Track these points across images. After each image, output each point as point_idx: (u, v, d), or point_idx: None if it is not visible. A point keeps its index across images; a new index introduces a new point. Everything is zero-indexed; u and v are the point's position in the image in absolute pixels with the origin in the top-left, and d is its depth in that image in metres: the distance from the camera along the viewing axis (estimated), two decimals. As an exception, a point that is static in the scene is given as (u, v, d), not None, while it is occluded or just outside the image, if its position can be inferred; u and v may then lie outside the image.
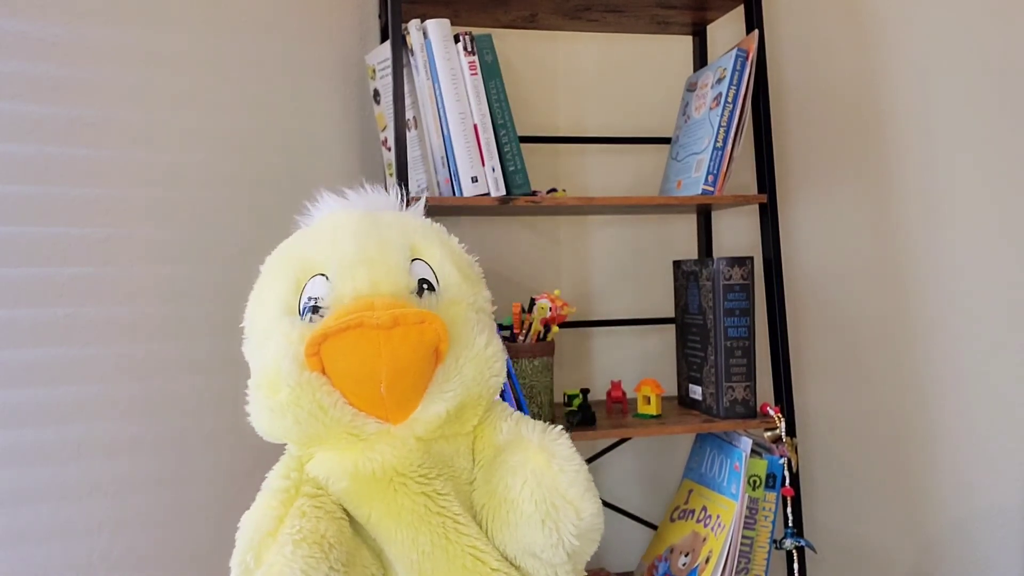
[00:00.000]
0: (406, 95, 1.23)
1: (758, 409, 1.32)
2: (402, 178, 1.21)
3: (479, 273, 1.04)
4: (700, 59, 1.53)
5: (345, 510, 0.93)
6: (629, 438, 1.47)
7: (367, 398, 0.91)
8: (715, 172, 1.29)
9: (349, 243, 0.94)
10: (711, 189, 1.29)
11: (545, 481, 0.92)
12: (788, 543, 1.27)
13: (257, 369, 0.94)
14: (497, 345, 0.99)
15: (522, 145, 1.30)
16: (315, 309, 0.92)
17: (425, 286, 0.95)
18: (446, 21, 1.24)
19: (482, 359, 0.96)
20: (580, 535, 0.91)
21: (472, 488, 0.98)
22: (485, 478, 0.97)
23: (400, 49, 1.22)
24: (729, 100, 1.29)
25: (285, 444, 0.98)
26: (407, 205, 1.05)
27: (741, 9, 1.39)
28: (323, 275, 0.94)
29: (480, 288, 1.02)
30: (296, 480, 0.93)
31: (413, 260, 0.96)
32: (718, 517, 1.27)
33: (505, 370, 1.00)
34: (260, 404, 0.93)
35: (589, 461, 1.28)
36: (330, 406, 0.90)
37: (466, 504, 0.96)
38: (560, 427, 0.99)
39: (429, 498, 0.92)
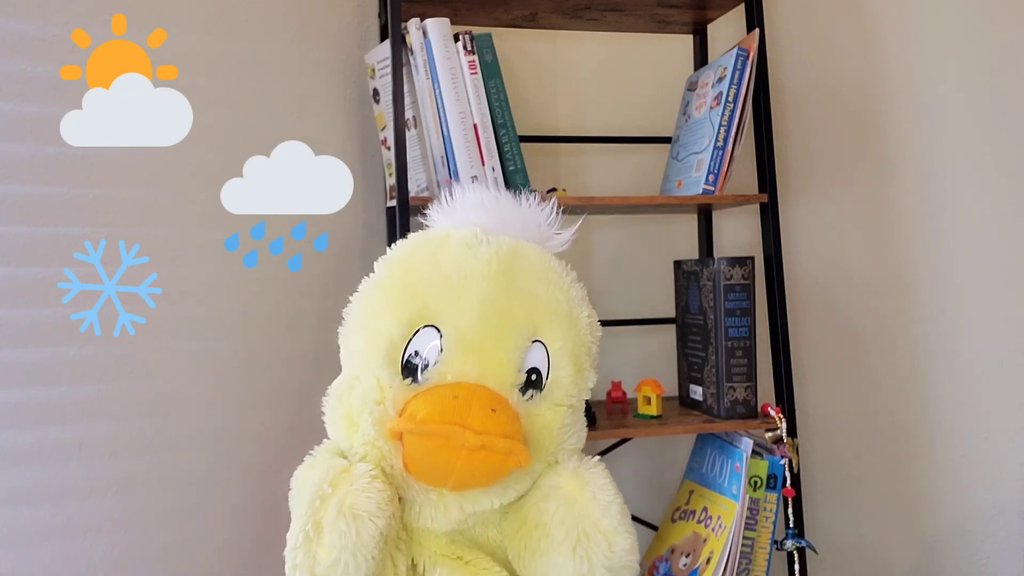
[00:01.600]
0: (406, 94, 1.23)
1: (759, 409, 1.32)
2: (402, 178, 1.21)
3: (593, 353, 1.00)
4: (700, 58, 1.53)
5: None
6: (630, 438, 1.46)
7: (431, 482, 0.91)
8: (716, 172, 1.29)
9: (474, 309, 0.91)
10: (712, 189, 1.29)
11: (576, 508, 0.90)
12: (789, 544, 1.27)
13: (342, 384, 0.96)
14: (580, 433, 0.98)
15: (522, 145, 1.30)
16: (415, 369, 0.92)
17: (533, 377, 0.93)
18: (446, 20, 1.24)
19: (558, 449, 0.95)
20: (612, 568, 0.90)
21: (502, 513, 0.97)
22: (517, 505, 0.96)
23: (400, 48, 1.22)
24: (730, 99, 1.29)
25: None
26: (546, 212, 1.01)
27: (742, 8, 1.39)
28: (436, 329, 0.92)
29: (587, 381, 0.99)
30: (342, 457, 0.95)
31: (533, 342, 0.94)
32: (719, 518, 1.26)
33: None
34: (336, 416, 0.95)
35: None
36: (392, 471, 0.91)
37: (492, 533, 0.97)
38: (597, 457, 0.97)
39: (458, 556, 0.94)
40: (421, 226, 1.44)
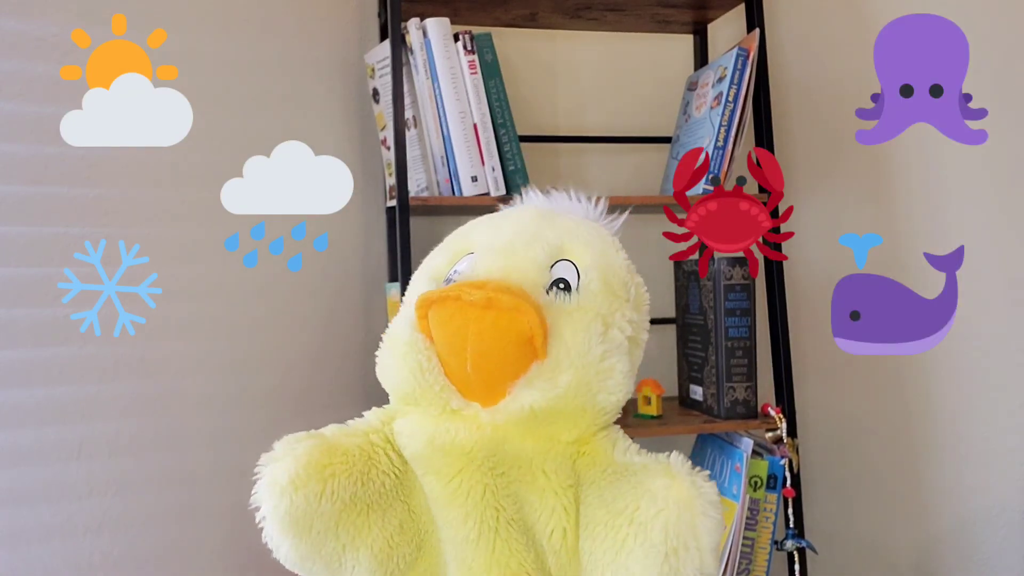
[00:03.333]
0: (405, 94, 1.23)
1: (759, 410, 1.32)
2: (402, 178, 1.21)
3: (635, 296, 0.98)
4: (701, 58, 1.53)
5: (408, 477, 0.96)
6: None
7: (456, 373, 0.91)
8: (715, 172, 1.29)
9: (506, 231, 0.96)
10: (711, 189, 1.29)
11: (685, 517, 0.86)
12: (789, 544, 1.27)
13: (396, 321, 0.98)
14: (620, 366, 0.93)
15: (522, 145, 1.30)
16: (450, 281, 0.95)
17: (560, 285, 0.93)
18: (446, 20, 1.24)
19: (591, 369, 0.91)
20: None
21: (566, 499, 0.93)
22: (599, 494, 0.92)
23: (399, 48, 1.22)
24: (730, 99, 1.29)
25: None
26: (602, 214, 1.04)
27: (742, 8, 1.39)
28: (473, 253, 0.96)
29: (622, 307, 0.96)
30: (374, 426, 0.97)
31: (560, 260, 0.94)
32: (718, 517, 1.26)
33: (627, 394, 0.95)
34: (385, 350, 0.96)
35: (589, 461, 1.28)
36: (427, 370, 0.91)
37: (535, 516, 0.93)
38: (708, 471, 0.94)
39: (490, 489, 0.91)
40: (421, 226, 1.44)
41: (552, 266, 0.94)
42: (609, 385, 0.92)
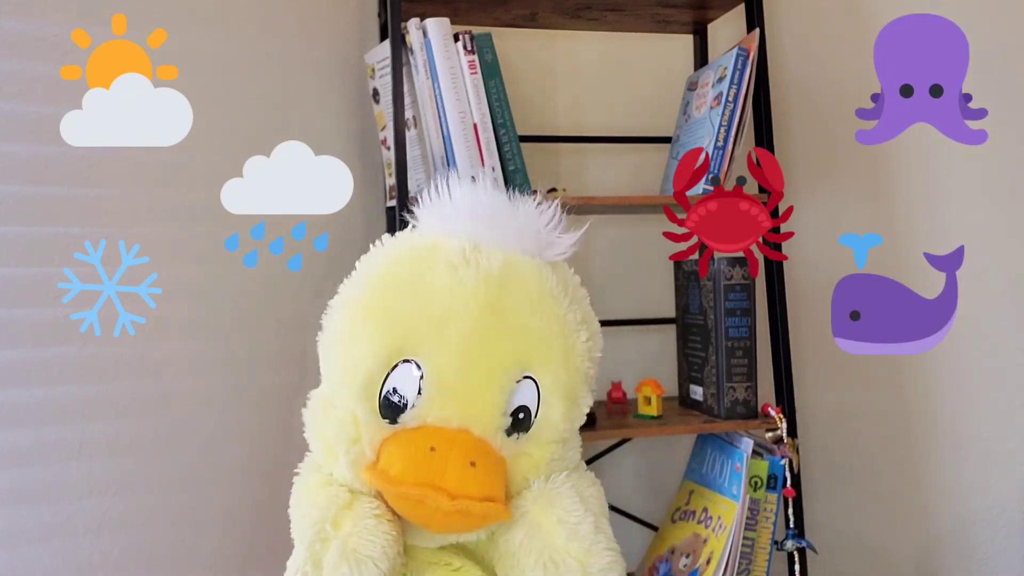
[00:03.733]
0: (405, 94, 1.23)
1: (759, 409, 1.32)
2: (402, 178, 1.21)
3: (591, 377, 0.94)
4: (701, 58, 1.53)
5: None
6: (630, 439, 1.46)
7: (414, 519, 0.88)
8: (715, 172, 1.29)
9: (457, 347, 0.85)
10: (711, 189, 1.29)
11: (542, 535, 0.86)
12: (789, 544, 1.27)
13: (318, 407, 0.92)
14: (573, 452, 0.94)
15: (522, 145, 1.30)
16: (394, 407, 0.86)
17: (521, 415, 0.87)
18: (446, 20, 1.24)
19: (546, 490, 0.90)
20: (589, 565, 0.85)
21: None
22: (490, 530, 0.92)
23: (399, 48, 1.22)
24: (730, 99, 1.29)
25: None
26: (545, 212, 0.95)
27: (742, 8, 1.39)
28: (416, 363, 0.86)
29: (582, 411, 0.93)
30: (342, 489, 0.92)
31: (523, 378, 0.87)
32: (719, 518, 1.26)
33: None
34: (314, 434, 0.92)
35: (589, 462, 1.28)
36: (372, 516, 0.86)
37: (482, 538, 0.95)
38: (564, 473, 0.91)
39: (447, 557, 0.92)
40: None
41: (508, 403, 0.87)
42: (557, 471, 0.93)
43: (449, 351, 0.85)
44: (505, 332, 0.87)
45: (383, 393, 0.87)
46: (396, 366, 0.87)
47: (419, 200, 0.96)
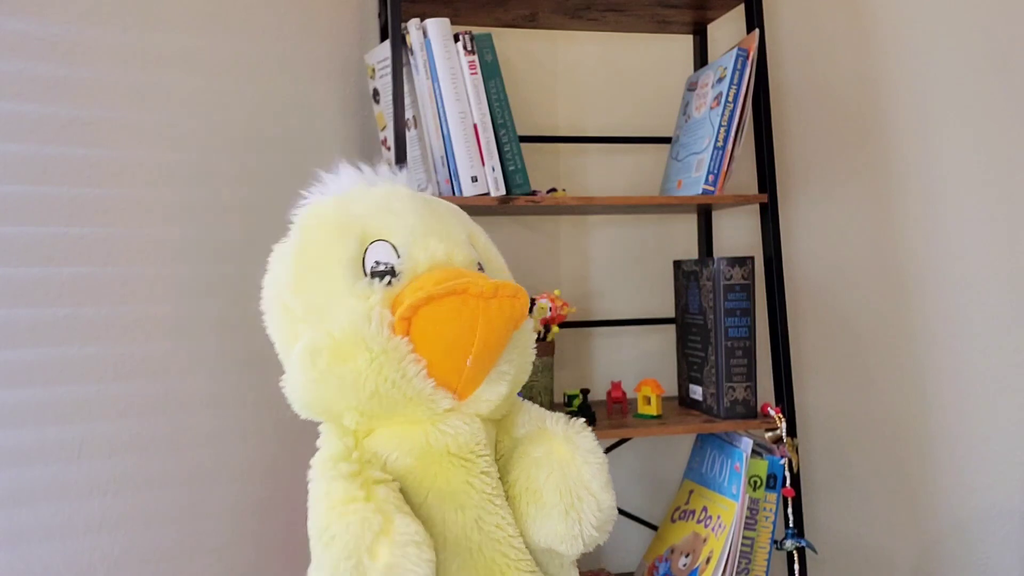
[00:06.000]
0: (406, 94, 1.23)
1: (759, 409, 1.32)
2: (402, 178, 1.21)
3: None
4: (700, 58, 1.53)
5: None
6: (629, 438, 1.46)
7: (450, 369, 0.88)
8: (715, 172, 1.29)
9: (411, 215, 0.93)
10: (711, 189, 1.29)
11: (570, 472, 0.93)
12: (789, 544, 1.27)
13: (318, 336, 0.88)
14: (532, 333, 1.01)
15: (522, 145, 1.30)
16: (386, 274, 0.89)
17: (479, 266, 0.96)
18: (446, 20, 1.24)
19: (526, 345, 0.98)
20: (599, 526, 0.93)
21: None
22: (505, 470, 0.97)
23: (400, 48, 1.22)
24: (729, 99, 1.29)
25: (312, 426, 0.97)
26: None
27: (741, 8, 1.39)
28: (386, 242, 0.91)
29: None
30: (359, 459, 0.89)
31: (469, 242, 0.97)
32: (719, 518, 1.26)
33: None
34: (316, 374, 0.87)
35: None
36: (413, 375, 0.86)
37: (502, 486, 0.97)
38: (583, 420, 0.99)
39: (480, 478, 0.92)
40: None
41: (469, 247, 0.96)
42: (532, 354, 0.99)
43: (407, 221, 0.92)
44: (436, 203, 0.98)
45: (367, 269, 0.90)
46: (367, 248, 0.91)
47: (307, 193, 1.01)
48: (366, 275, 0.89)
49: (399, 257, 0.91)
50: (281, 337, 0.95)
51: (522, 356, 0.97)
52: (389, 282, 0.89)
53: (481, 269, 0.97)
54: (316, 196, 1.00)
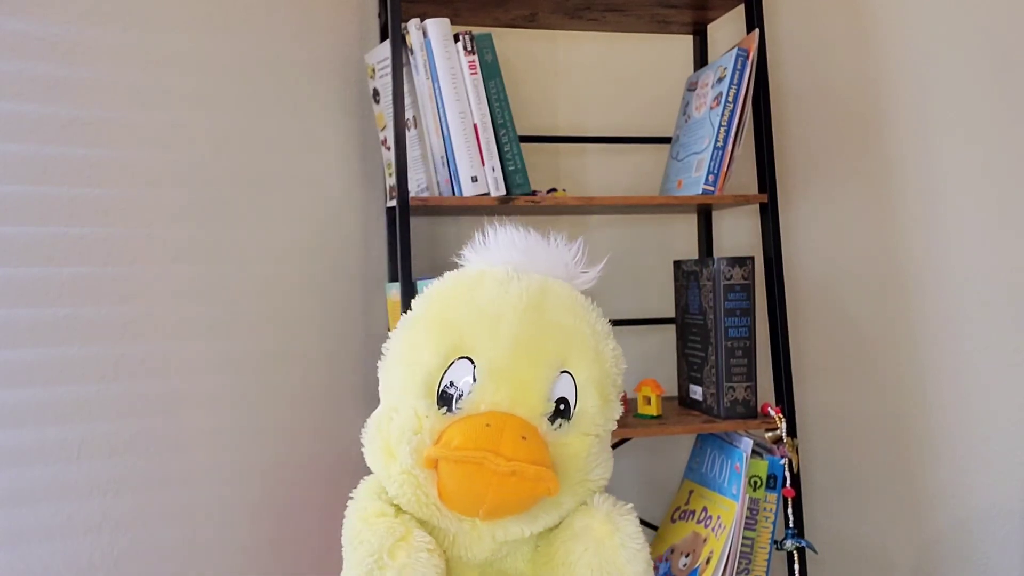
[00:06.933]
0: (406, 95, 1.23)
1: (759, 409, 1.32)
2: (402, 178, 1.21)
3: (618, 389, 1.05)
4: (700, 58, 1.53)
5: None
6: (629, 439, 1.46)
7: (463, 514, 0.95)
8: (715, 172, 1.29)
9: (507, 342, 0.96)
10: (711, 189, 1.29)
11: (605, 553, 0.95)
12: (789, 544, 1.27)
13: (383, 412, 0.99)
14: (607, 470, 1.01)
15: (522, 145, 1.30)
16: (450, 399, 0.96)
17: (562, 406, 0.97)
18: (446, 20, 1.24)
19: (586, 486, 0.99)
20: None
21: (532, 546, 1.01)
22: (547, 540, 1.00)
23: (399, 48, 1.22)
24: (729, 99, 1.29)
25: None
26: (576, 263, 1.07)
27: (741, 8, 1.39)
28: (470, 360, 0.96)
29: (613, 411, 1.03)
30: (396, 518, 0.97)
31: (561, 373, 0.98)
32: (719, 518, 1.26)
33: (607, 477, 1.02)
34: (375, 450, 0.98)
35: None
36: (427, 501, 0.94)
37: (522, 566, 1.01)
38: (631, 505, 1.01)
39: None
40: (421, 226, 1.44)
41: (551, 391, 0.97)
42: (596, 488, 1.01)
43: (498, 344, 0.96)
44: (546, 328, 0.99)
45: (441, 387, 0.97)
46: (452, 364, 0.97)
47: (467, 247, 1.09)
48: (438, 393, 0.97)
49: (474, 380, 0.96)
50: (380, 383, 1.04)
51: (578, 497, 0.98)
52: (446, 411, 0.96)
53: (565, 416, 0.97)
54: (469, 258, 1.07)
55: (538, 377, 0.96)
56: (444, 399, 0.96)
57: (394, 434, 0.96)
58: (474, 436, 0.90)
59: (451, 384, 0.96)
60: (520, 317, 0.98)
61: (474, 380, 0.96)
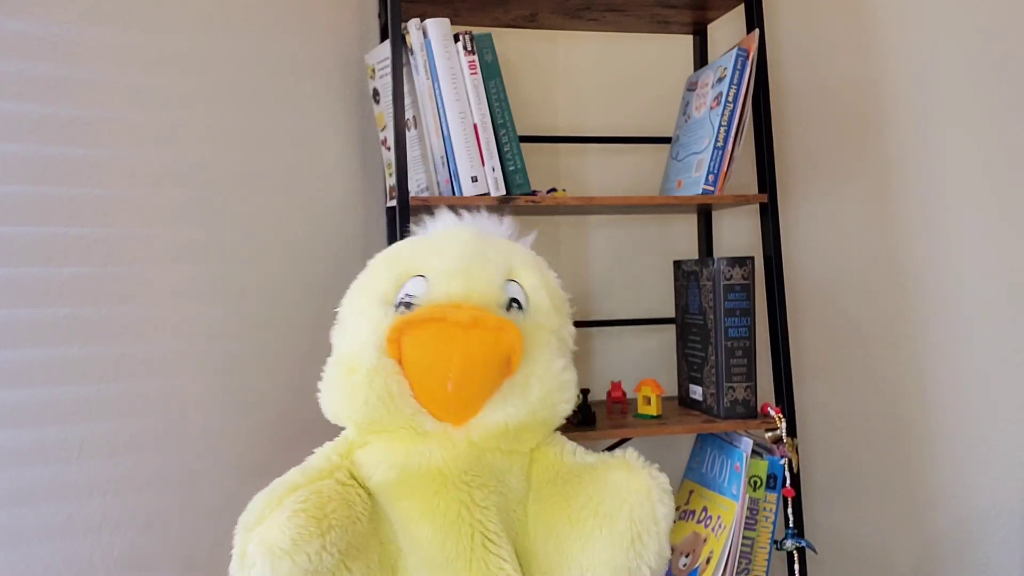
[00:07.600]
0: (406, 95, 1.23)
1: (759, 409, 1.32)
2: (402, 178, 1.21)
3: (569, 310, 1.07)
4: (700, 58, 1.53)
5: (374, 509, 0.95)
6: (629, 439, 1.46)
7: (433, 392, 0.94)
8: (715, 172, 1.29)
9: (453, 253, 1.00)
10: (711, 189, 1.29)
11: (646, 505, 0.95)
12: (789, 544, 1.27)
13: (342, 350, 1.00)
14: (572, 375, 1.01)
15: (522, 145, 1.30)
16: (408, 304, 0.98)
17: (515, 304, 0.99)
18: (446, 20, 1.24)
19: (554, 382, 0.98)
20: (655, 570, 0.94)
21: (524, 507, 1.00)
22: (559, 492, 0.99)
23: (400, 48, 1.22)
24: (729, 99, 1.29)
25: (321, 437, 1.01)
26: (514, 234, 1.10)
27: (741, 8, 1.39)
28: (423, 276, 0.99)
29: (566, 322, 1.05)
30: (335, 464, 0.97)
31: (509, 281, 1.00)
32: (719, 518, 1.26)
33: (575, 399, 1.02)
34: (334, 382, 0.98)
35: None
36: (397, 394, 0.94)
37: (507, 524, 0.97)
38: (657, 465, 1.02)
39: (466, 506, 0.94)
40: (421, 226, 1.43)
41: (504, 286, 0.99)
42: (567, 396, 1.00)
43: (447, 259, 0.99)
44: (490, 244, 1.02)
45: (398, 300, 0.99)
46: (405, 283, 0.99)
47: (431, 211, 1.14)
48: (395, 304, 0.98)
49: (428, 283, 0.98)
50: (334, 346, 1.04)
51: (545, 391, 0.97)
52: (402, 311, 0.97)
53: (519, 307, 0.99)
54: (415, 235, 1.10)
55: (488, 272, 0.98)
56: (400, 305, 0.98)
57: (355, 345, 0.96)
58: (433, 309, 0.93)
59: (406, 295, 0.98)
60: (465, 240, 1.02)
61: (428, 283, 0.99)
